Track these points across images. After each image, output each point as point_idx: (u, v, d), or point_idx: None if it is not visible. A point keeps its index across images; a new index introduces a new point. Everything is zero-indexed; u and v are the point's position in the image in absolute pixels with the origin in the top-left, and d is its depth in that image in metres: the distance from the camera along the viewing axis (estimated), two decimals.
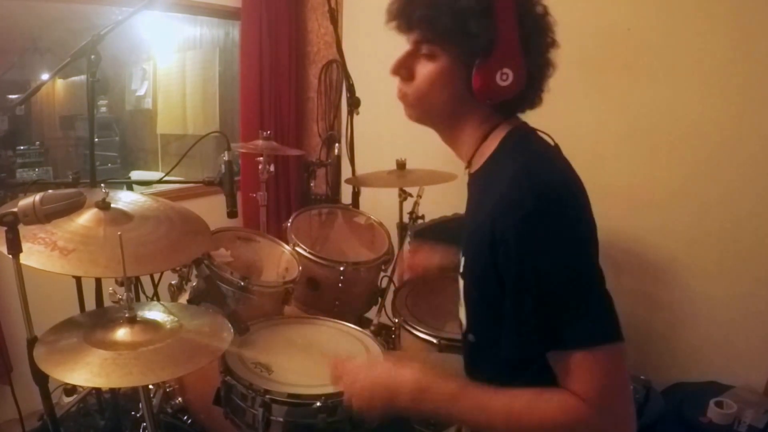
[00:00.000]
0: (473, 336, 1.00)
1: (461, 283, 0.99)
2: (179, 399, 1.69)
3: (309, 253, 1.90)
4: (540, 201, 0.79)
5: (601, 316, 0.80)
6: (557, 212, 0.80)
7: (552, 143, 0.95)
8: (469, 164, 1.00)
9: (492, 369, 0.95)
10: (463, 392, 0.86)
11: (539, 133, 0.96)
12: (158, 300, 1.77)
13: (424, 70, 0.92)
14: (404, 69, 0.95)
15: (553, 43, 0.91)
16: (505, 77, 0.86)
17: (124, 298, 1.17)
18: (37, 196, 1.01)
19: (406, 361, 0.93)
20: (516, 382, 0.85)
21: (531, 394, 0.83)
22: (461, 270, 0.97)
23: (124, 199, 1.37)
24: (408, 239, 2.26)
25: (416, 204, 2.18)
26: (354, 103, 2.34)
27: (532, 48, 0.88)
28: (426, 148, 2.37)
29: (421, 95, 0.94)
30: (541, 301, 0.80)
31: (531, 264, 0.80)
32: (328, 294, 1.93)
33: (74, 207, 1.07)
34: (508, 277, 0.83)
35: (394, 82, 0.99)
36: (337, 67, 3.11)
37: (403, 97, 0.98)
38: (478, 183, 0.98)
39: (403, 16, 0.91)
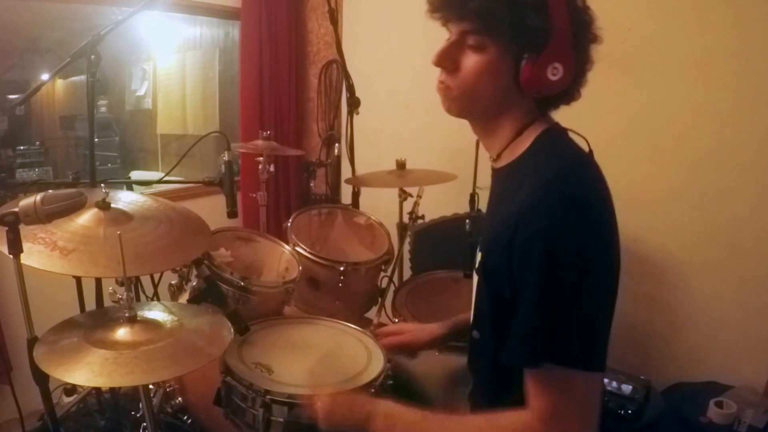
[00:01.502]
0: (477, 332, 1.00)
1: (475, 279, 0.99)
2: (179, 399, 1.69)
3: (309, 253, 1.90)
4: (568, 215, 0.79)
5: (589, 343, 0.80)
6: (582, 229, 0.79)
7: (586, 148, 0.94)
8: (497, 158, 0.98)
9: (492, 367, 0.96)
10: (426, 419, 0.93)
11: (572, 135, 0.95)
12: (158, 300, 1.77)
13: (471, 61, 0.89)
14: (449, 60, 0.92)
15: (595, 38, 0.91)
16: (555, 72, 0.85)
17: (124, 298, 1.17)
18: (39, 196, 1.01)
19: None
20: (515, 383, 0.86)
21: (486, 416, 0.87)
22: (476, 266, 0.97)
23: (124, 199, 1.37)
24: (407, 239, 2.26)
25: (416, 204, 2.18)
26: (354, 103, 2.34)
27: (580, 42, 0.88)
28: (426, 148, 2.39)
29: (467, 88, 0.91)
30: (540, 308, 0.80)
31: (544, 276, 0.79)
32: (328, 294, 1.93)
33: (75, 207, 1.07)
34: (523, 282, 0.82)
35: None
36: (337, 67, 3.11)
37: (445, 89, 0.95)
38: (505, 179, 0.96)
39: (455, 6, 0.88)
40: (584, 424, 0.80)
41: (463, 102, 0.94)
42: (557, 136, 0.93)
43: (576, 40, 0.86)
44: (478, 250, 0.97)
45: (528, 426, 0.81)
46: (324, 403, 1.05)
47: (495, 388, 1.00)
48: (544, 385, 0.81)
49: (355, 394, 1.10)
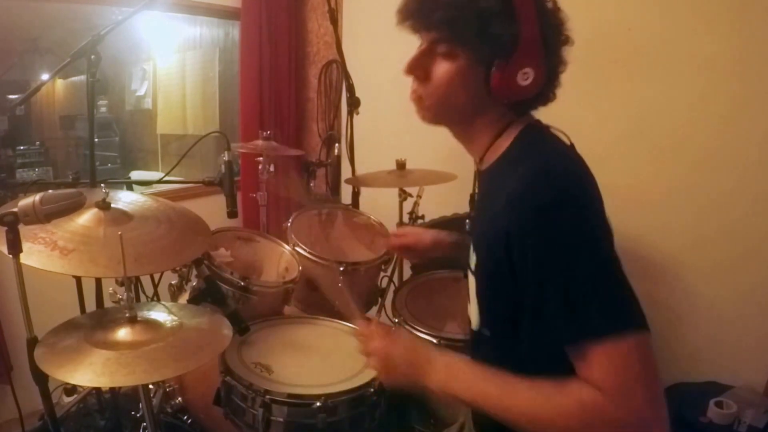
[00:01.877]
0: (488, 330, 0.98)
1: (471, 280, 0.98)
2: (179, 399, 1.69)
3: (309, 253, 1.90)
4: (557, 194, 0.79)
5: (622, 304, 0.79)
6: (574, 204, 0.79)
7: (567, 142, 0.94)
8: (480, 161, 0.99)
9: (506, 363, 0.93)
10: (487, 378, 0.88)
11: (553, 131, 0.96)
12: (158, 300, 1.77)
13: (442, 70, 0.90)
14: (420, 69, 0.93)
15: (567, 40, 0.90)
16: (526, 77, 0.85)
17: (125, 298, 1.17)
18: (37, 196, 1.01)
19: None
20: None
21: (552, 387, 0.82)
22: (472, 267, 0.96)
23: (124, 199, 1.37)
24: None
25: (416, 204, 2.18)
26: (354, 103, 2.34)
27: (550, 46, 0.87)
28: (426, 148, 2.38)
29: (439, 96, 0.93)
30: (560, 291, 0.79)
31: (549, 255, 0.79)
32: (328, 294, 1.93)
33: (74, 207, 1.07)
34: (524, 270, 0.82)
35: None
36: (337, 67, 3.11)
37: (417, 99, 0.96)
38: (490, 180, 0.97)
39: (422, 16, 0.89)
40: (648, 388, 0.78)
41: (437, 110, 0.95)
42: (536, 132, 0.93)
43: (546, 43, 0.86)
44: (471, 252, 0.97)
45: (596, 402, 0.77)
46: (381, 342, 0.99)
47: None
48: (591, 359, 0.78)
49: (415, 339, 1.03)
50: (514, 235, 0.81)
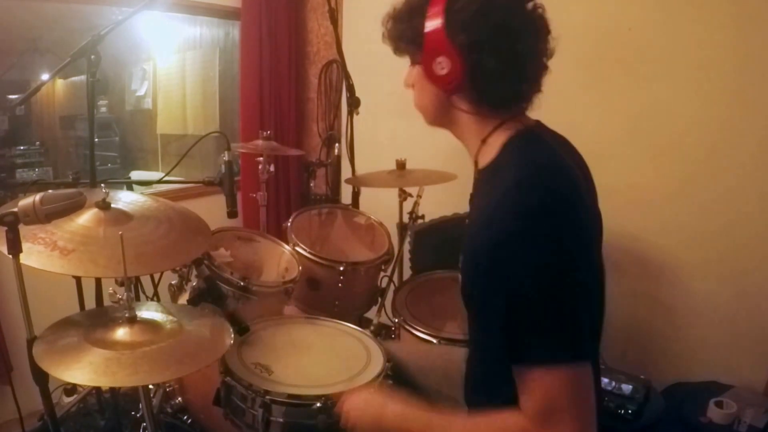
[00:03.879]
0: (469, 334, 1.01)
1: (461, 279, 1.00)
2: (179, 399, 1.69)
3: (309, 253, 1.90)
4: (523, 221, 0.81)
5: (562, 334, 0.81)
6: (539, 234, 0.80)
7: (561, 142, 0.96)
8: (475, 163, 1.01)
9: (483, 367, 1.00)
10: (431, 421, 0.96)
11: (547, 135, 0.96)
12: (158, 300, 1.77)
13: (410, 77, 1.04)
14: (408, 80, 1.05)
15: (505, 40, 0.89)
16: (441, 66, 0.92)
17: (124, 298, 1.17)
18: (38, 196, 1.01)
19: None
20: (499, 395, 0.88)
21: (484, 417, 0.89)
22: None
23: (124, 199, 1.37)
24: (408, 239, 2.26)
25: (416, 204, 2.18)
26: (354, 103, 2.34)
27: (481, 42, 0.89)
28: (426, 148, 2.38)
29: (416, 101, 1.05)
30: (505, 313, 0.82)
31: (497, 281, 0.82)
32: (328, 294, 1.93)
33: (74, 207, 1.07)
34: (484, 287, 0.85)
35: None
36: (337, 67, 3.11)
37: (414, 106, 1.07)
38: (480, 184, 0.99)
39: (386, 37, 1.02)
40: (576, 418, 0.80)
41: (423, 114, 1.06)
42: (524, 140, 0.94)
43: (470, 38, 0.88)
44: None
45: (520, 427, 0.82)
46: (346, 402, 1.10)
47: (488, 389, 1.01)
48: (527, 384, 0.82)
49: (368, 391, 1.14)
50: (477, 253, 0.85)
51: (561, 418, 0.79)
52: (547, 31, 0.93)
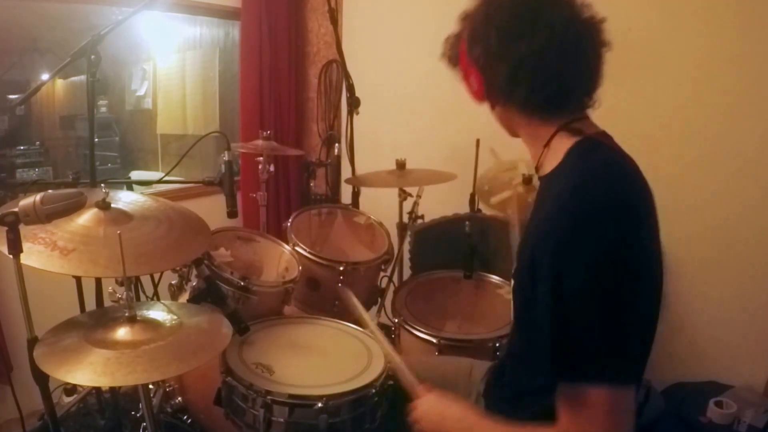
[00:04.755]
0: (515, 348, 1.03)
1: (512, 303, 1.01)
2: (179, 398, 1.69)
3: (309, 253, 1.90)
4: (574, 227, 0.79)
5: (615, 353, 0.78)
6: (591, 240, 0.78)
7: (622, 153, 0.93)
8: (536, 169, 1.02)
9: (511, 392, 1.00)
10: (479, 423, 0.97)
11: (612, 143, 0.95)
12: (158, 300, 1.77)
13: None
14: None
15: (531, 41, 0.88)
16: (472, 83, 0.98)
17: (124, 297, 1.17)
18: (38, 196, 1.01)
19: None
20: (525, 408, 0.89)
21: (521, 428, 0.88)
22: (512, 272, 0.98)
23: (124, 199, 1.37)
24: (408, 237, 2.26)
25: (416, 204, 2.18)
26: (354, 103, 2.34)
27: (490, 49, 0.91)
28: (426, 148, 2.39)
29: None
30: (558, 329, 0.79)
31: (553, 289, 0.79)
32: (328, 294, 1.93)
33: (74, 207, 1.07)
34: (539, 296, 0.83)
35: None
36: (337, 67, 3.11)
37: None
38: (543, 189, 0.99)
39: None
40: None
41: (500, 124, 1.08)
42: (587, 147, 0.91)
43: (497, 51, 0.90)
44: (514, 257, 1.00)
45: None
46: (423, 411, 1.09)
47: (515, 402, 1.01)
48: (567, 402, 0.80)
49: (447, 401, 1.09)
50: (536, 260, 0.83)
51: None
52: (575, 29, 0.89)
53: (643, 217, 0.85)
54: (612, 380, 0.77)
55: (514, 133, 1.05)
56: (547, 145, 0.95)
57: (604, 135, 0.96)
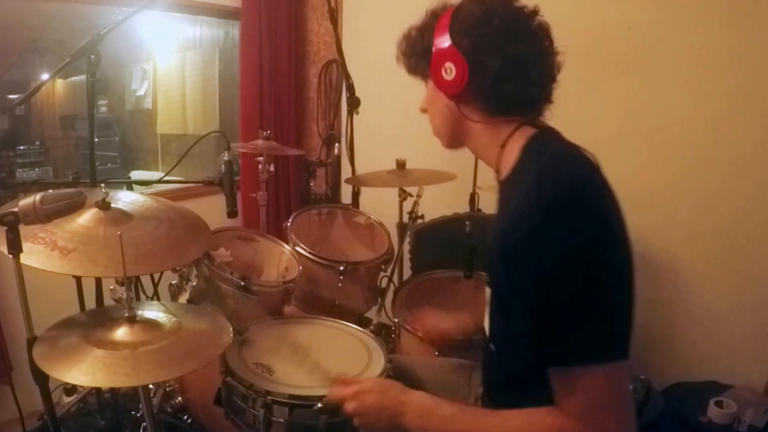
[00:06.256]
0: (494, 345, 1.01)
1: (487, 291, 1.01)
2: (179, 398, 1.69)
3: (309, 252, 1.90)
4: (548, 214, 0.79)
5: (601, 333, 0.80)
6: (566, 225, 0.79)
7: (569, 142, 0.95)
8: (497, 173, 1.02)
9: (506, 380, 0.98)
10: (462, 413, 0.93)
11: (557, 134, 0.96)
12: (158, 300, 1.77)
13: (424, 102, 1.07)
14: (423, 105, 1.09)
15: (507, 43, 0.90)
16: (448, 71, 0.94)
17: (124, 297, 1.16)
18: (38, 196, 1.01)
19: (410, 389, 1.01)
20: (526, 395, 0.87)
21: (524, 415, 0.86)
22: (488, 279, 0.99)
23: (124, 199, 1.37)
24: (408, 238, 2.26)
25: (416, 204, 2.18)
26: (354, 103, 2.34)
27: (484, 44, 0.91)
28: (426, 148, 2.37)
29: (432, 123, 1.08)
30: (540, 314, 0.81)
31: (533, 277, 0.80)
32: (328, 294, 1.93)
33: (74, 207, 1.07)
34: (520, 289, 0.84)
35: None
36: (337, 67, 3.11)
37: (432, 133, 1.09)
38: (504, 191, 0.99)
39: (400, 55, 1.06)
40: (619, 413, 0.81)
41: (439, 136, 1.08)
42: (543, 139, 0.94)
43: (475, 45, 0.91)
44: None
45: (566, 427, 0.81)
46: (354, 393, 1.04)
47: (511, 392, 1.00)
48: (566, 385, 0.81)
49: (384, 382, 1.08)
50: (510, 254, 0.83)
51: (605, 415, 0.80)
52: (550, 41, 0.94)
53: (607, 196, 0.87)
54: (602, 359, 0.79)
55: (454, 141, 1.05)
56: (503, 145, 0.96)
57: (554, 130, 0.99)
